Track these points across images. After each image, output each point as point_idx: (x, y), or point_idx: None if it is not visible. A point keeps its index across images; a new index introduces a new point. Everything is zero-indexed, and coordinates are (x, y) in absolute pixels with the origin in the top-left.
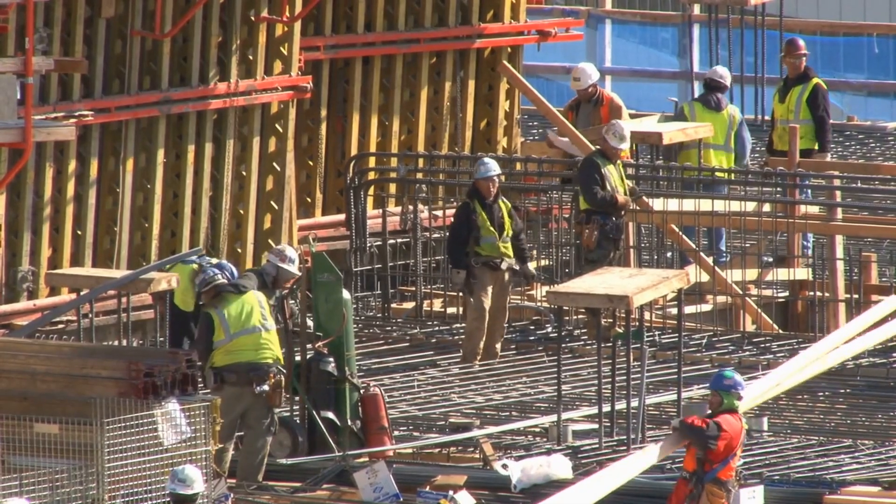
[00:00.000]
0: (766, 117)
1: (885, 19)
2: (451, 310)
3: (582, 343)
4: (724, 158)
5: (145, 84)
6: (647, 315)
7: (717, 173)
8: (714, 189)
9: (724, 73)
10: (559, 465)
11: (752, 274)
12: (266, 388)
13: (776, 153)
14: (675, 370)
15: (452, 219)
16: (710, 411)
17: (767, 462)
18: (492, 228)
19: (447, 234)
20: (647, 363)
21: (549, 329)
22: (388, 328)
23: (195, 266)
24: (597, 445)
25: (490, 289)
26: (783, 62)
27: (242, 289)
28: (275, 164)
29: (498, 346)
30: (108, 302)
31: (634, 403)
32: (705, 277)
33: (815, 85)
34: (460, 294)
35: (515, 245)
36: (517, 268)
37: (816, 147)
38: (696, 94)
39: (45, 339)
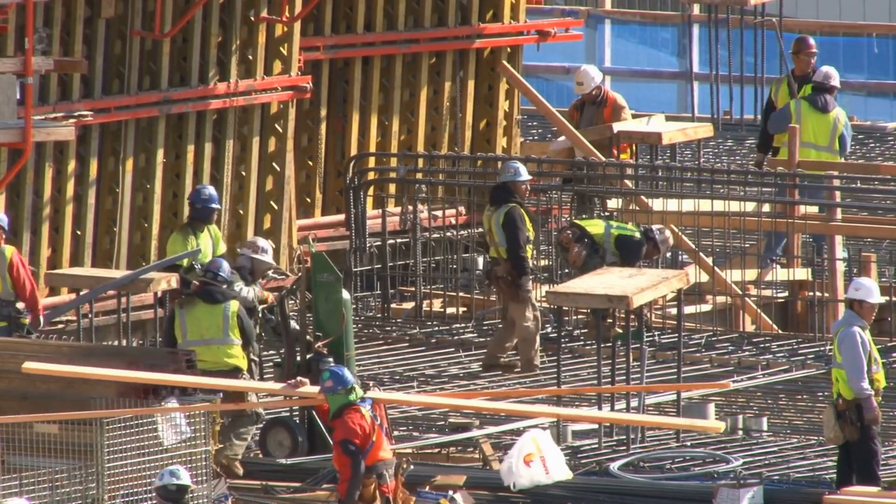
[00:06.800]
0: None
1: (884, 19)
2: (450, 310)
3: (582, 343)
4: (828, 159)
5: (145, 84)
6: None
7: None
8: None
9: (831, 74)
10: (557, 466)
11: (751, 274)
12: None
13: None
14: (675, 370)
15: (509, 225)
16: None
17: (767, 462)
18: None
19: (509, 241)
20: (647, 363)
21: (549, 329)
22: (388, 328)
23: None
24: (596, 445)
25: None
26: (793, 59)
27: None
28: (274, 164)
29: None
30: (107, 302)
31: (634, 403)
32: (705, 278)
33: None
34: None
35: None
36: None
37: None
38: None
39: (45, 339)
